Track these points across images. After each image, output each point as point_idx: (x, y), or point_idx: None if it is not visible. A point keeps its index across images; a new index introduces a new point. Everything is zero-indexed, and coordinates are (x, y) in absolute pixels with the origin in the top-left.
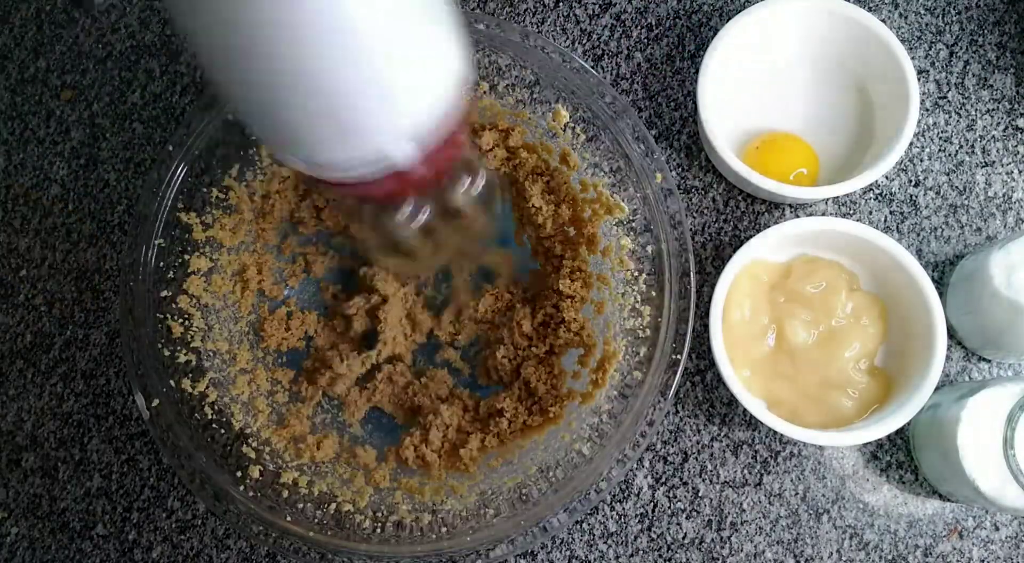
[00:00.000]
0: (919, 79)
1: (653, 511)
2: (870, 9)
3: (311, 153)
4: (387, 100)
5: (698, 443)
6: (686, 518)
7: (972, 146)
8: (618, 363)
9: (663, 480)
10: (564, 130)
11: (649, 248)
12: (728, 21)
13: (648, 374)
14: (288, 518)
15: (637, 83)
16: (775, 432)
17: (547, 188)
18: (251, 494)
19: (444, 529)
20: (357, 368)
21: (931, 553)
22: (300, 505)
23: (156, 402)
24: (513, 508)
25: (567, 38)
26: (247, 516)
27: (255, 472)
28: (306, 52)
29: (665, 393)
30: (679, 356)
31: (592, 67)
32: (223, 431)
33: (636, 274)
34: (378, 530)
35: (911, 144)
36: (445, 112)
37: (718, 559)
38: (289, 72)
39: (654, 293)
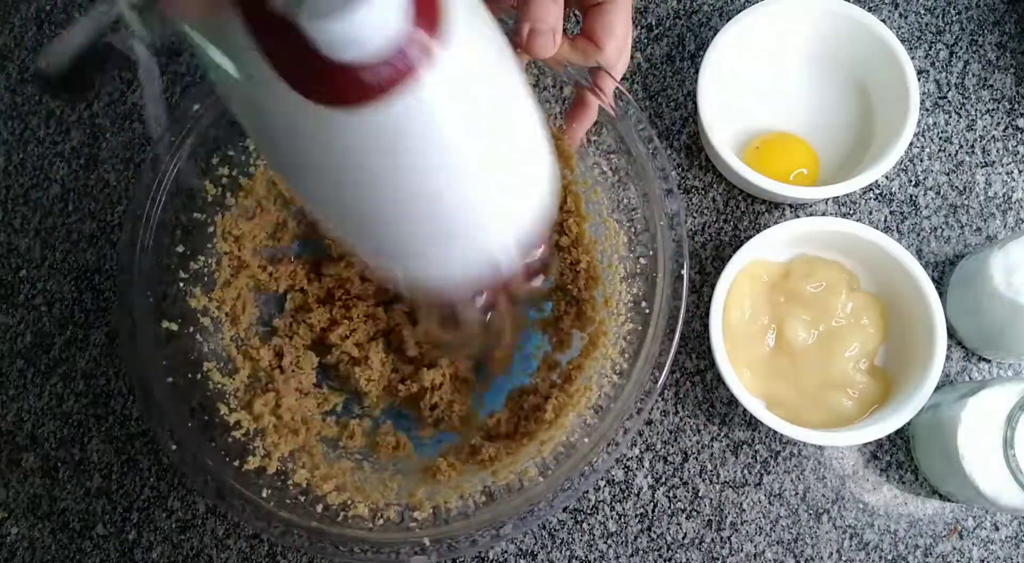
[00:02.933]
0: (919, 79)
1: (653, 511)
2: (870, 9)
3: (424, 272)
4: (500, 217)
5: (698, 443)
6: (686, 518)
7: (972, 146)
8: (610, 362)
9: (663, 480)
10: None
11: (643, 242)
12: (728, 21)
13: (635, 369)
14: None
15: (637, 83)
16: (775, 432)
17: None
18: (252, 487)
19: (441, 520)
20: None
21: (931, 553)
22: (300, 497)
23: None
24: (508, 496)
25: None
26: (250, 510)
27: (253, 463)
28: (425, 185)
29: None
30: (665, 359)
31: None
32: (224, 426)
33: (632, 275)
34: (378, 520)
35: (911, 144)
36: (546, 219)
37: (718, 559)
38: (407, 203)
39: (647, 293)
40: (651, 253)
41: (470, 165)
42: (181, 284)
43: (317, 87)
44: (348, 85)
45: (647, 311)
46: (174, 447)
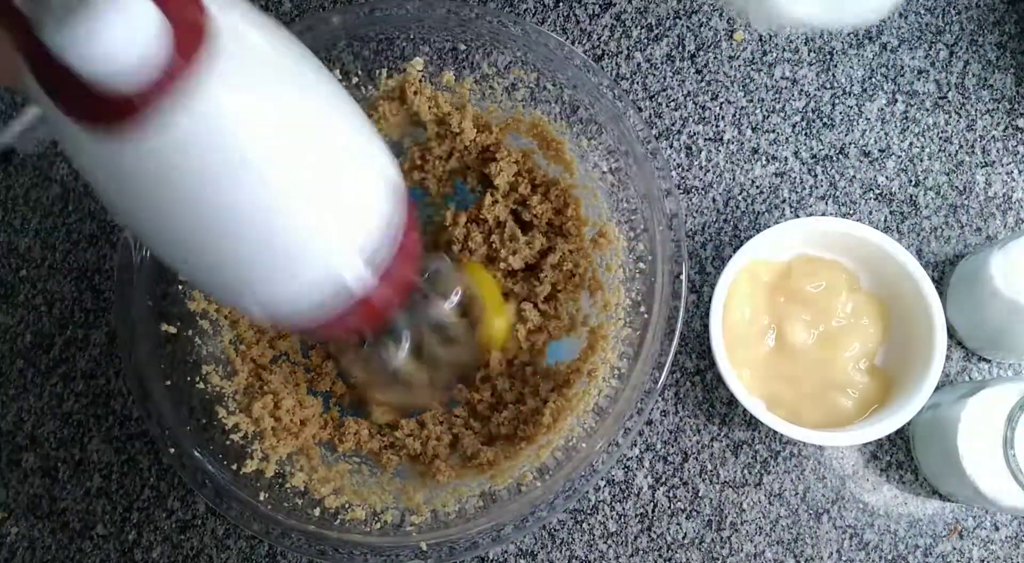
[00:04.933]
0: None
1: (653, 511)
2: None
3: (269, 300)
4: (328, 227)
5: (698, 443)
6: (686, 518)
7: (972, 146)
8: (611, 366)
9: (663, 480)
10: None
11: (642, 245)
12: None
13: (634, 372)
14: (283, 512)
15: (637, 83)
16: (775, 432)
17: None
18: (250, 489)
19: (442, 523)
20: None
21: (931, 553)
22: (298, 500)
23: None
24: (508, 498)
25: (567, 38)
26: (248, 513)
27: (251, 466)
28: (233, 206)
29: (651, 391)
30: (665, 359)
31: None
32: (222, 429)
33: (631, 275)
34: (376, 524)
35: (911, 144)
36: (391, 221)
37: (718, 559)
38: (221, 228)
39: (646, 295)
40: (650, 254)
41: (274, 175)
42: (180, 286)
43: (77, 104)
44: (107, 105)
45: (646, 312)
46: (172, 450)
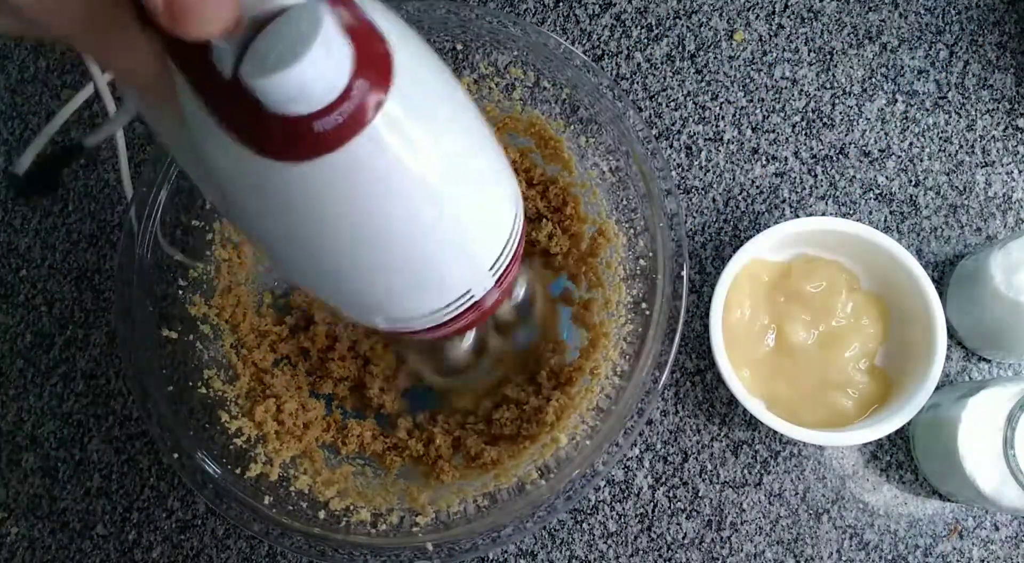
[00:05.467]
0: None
1: (653, 511)
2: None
3: (401, 313)
4: (471, 248)
5: (698, 443)
6: (686, 518)
7: (972, 146)
8: (612, 364)
9: (663, 480)
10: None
11: (642, 243)
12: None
13: (636, 370)
14: (287, 515)
15: (637, 83)
16: (775, 432)
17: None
18: (251, 491)
19: (442, 524)
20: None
21: (931, 553)
22: (302, 503)
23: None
24: (510, 499)
25: (567, 38)
26: (248, 513)
27: (255, 470)
28: (391, 227)
29: (652, 390)
30: (666, 359)
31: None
32: (225, 433)
33: (632, 273)
34: (380, 525)
35: (911, 144)
36: (514, 239)
37: (718, 559)
38: (376, 248)
39: (647, 294)
40: (651, 254)
41: (433, 200)
42: (180, 292)
43: (268, 143)
44: (299, 140)
45: (647, 312)
46: (175, 456)
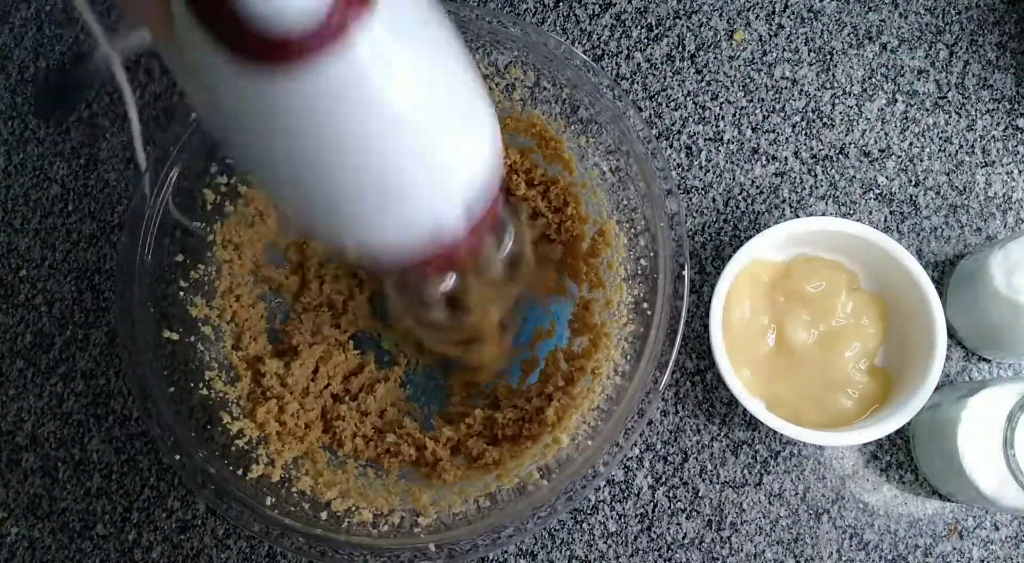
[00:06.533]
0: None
1: (653, 511)
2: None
3: (369, 237)
4: (442, 177)
5: (698, 443)
6: (686, 518)
7: (972, 146)
8: (614, 364)
9: (663, 480)
10: (564, 130)
11: (643, 243)
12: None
13: (638, 371)
14: (288, 516)
15: (637, 83)
16: (775, 432)
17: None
18: (252, 491)
19: (443, 525)
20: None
21: (931, 553)
22: (304, 504)
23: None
24: (511, 500)
25: (567, 38)
26: (248, 514)
27: (256, 471)
28: (365, 148)
29: (653, 391)
30: (667, 359)
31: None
32: (227, 435)
33: (633, 275)
34: (382, 526)
35: (911, 144)
36: (490, 180)
37: (718, 559)
38: (349, 167)
39: (648, 293)
40: (652, 253)
41: (409, 125)
42: (181, 293)
43: (247, 44)
44: (278, 43)
45: (648, 311)
46: (177, 457)
